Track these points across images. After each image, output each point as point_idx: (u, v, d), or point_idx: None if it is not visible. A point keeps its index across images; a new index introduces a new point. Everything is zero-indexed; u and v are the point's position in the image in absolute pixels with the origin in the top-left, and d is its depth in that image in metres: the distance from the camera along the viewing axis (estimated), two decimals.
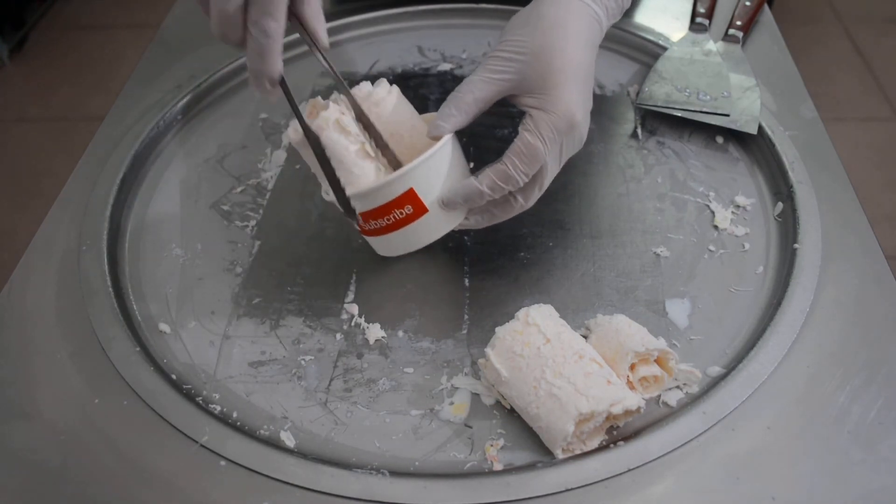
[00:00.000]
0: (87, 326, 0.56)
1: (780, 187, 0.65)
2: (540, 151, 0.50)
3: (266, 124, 0.76)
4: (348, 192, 0.51)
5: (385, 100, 0.54)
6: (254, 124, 0.76)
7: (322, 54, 0.53)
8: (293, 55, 0.83)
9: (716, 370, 0.53)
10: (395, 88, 0.55)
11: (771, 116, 0.70)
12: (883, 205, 1.68)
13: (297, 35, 0.82)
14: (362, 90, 0.54)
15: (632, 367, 0.50)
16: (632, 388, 0.50)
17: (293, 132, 0.53)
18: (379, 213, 0.52)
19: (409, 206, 0.51)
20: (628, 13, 0.85)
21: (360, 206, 0.52)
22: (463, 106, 0.52)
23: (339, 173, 0.51)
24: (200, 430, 0.49)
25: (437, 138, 0.52)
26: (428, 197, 0.51)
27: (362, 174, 0.52)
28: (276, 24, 0.46)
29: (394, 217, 0.52)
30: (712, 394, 0.50)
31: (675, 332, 0.56)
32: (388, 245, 0.55)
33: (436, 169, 0.51)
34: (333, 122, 0.51)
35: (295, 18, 0.51)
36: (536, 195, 0.54)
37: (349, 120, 0.52)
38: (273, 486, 0.47)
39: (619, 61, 0.81)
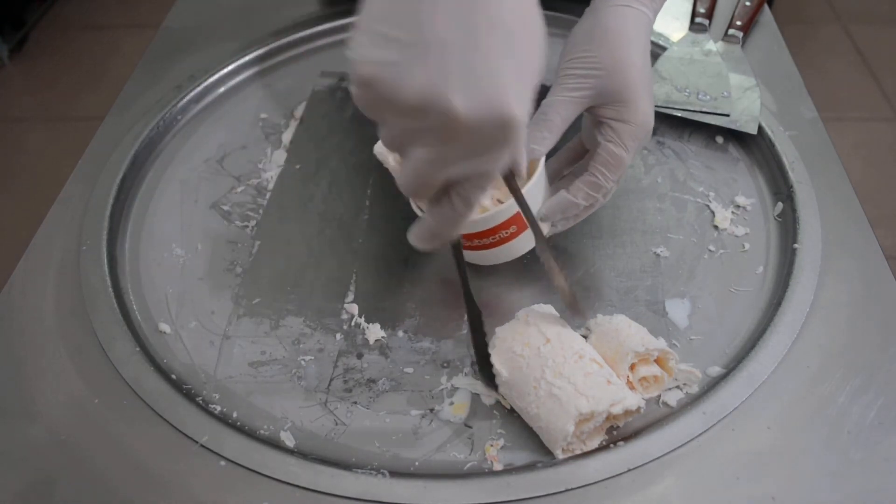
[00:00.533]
0: (87, 326, 0.56)
1: (780, 187, 0.65)
2: (625, 160, 0.54)
3: (266, 124, 0.76)
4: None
5: None
6: (254, 124, 0.76)
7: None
8: (293, 55, 0.84)
9: (716, 370, 0.53)
10: None
11: (771, 116, 0.70)
12: (883, 205, 1.68)
13: (294, 37, 0.83)
14: None
15: (632, 368, 0.50)
16: (632, 388, 0.50)
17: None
18: (485, 234, 0.54)
19: (514, 226, 0.54)
20: None
21: (468, 230, 0.54)
22: (553, 127, 0.54)
23: None
24: (200, 430, 0.49)
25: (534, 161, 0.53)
26: (530, 216, 0.53)
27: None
28: (481, 194, 0.41)
29: (499, 237, 0.55)
30: (712, 394, 0.50)
31: (675, 332, 0.56)
32: (487, 257, 0.57)
33: (536, 191, 0.54)
34: None
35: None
36: (613, 190, 0.56)
37: None
38: (273, 486, 0.47)
39: None
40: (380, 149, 0.50)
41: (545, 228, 0.56)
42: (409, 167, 0.39)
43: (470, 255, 0.57)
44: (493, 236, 0.55)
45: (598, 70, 0.53)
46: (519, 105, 0.35)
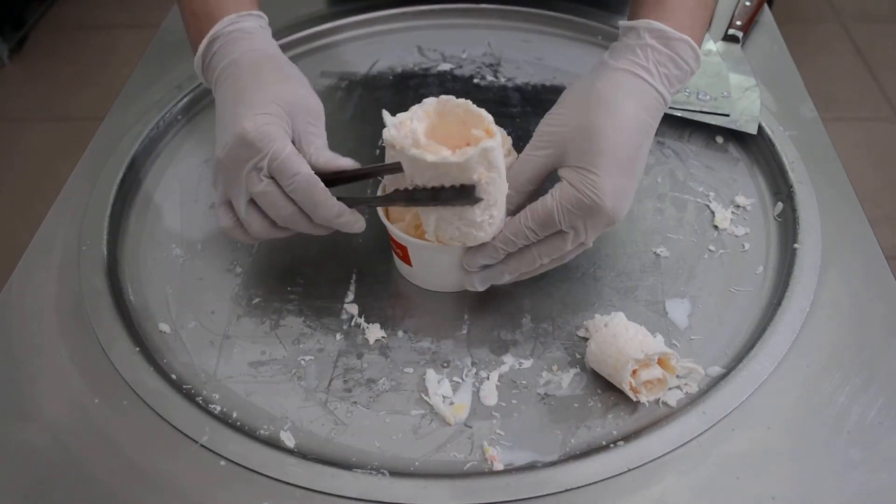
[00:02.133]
0: (87, 326, 0.56)
1: (780, 187, 0.65)
2: (553, 217, 0.49)
3: None
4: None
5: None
6: None
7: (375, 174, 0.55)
8: (293, 55, 0.84)
9: (716, 370, 0.53)
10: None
11: (771, 116, 0.70)
12: (883, 205, 1.68)
13: (294, 37, 0.83)
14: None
15: (633, 373, 0.50)
16: (636, 393, 0.50)
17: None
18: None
19: (399, 250, 0.56)
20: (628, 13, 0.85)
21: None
22: (516, 185, 0.52)
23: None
24: (200, 430, 0.49)
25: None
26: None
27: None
28: (325, 195, 0.51)
29: (394, 251, 0.57)
30: (712, 394, 0.50)
31: (675, 332, 0.56)
32: (400, 267, 0.59)
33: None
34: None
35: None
36: (560, 260, 0.53)
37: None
38: (273, 487, 0.47)
39: None
40: (388, 135, 0.50)
41: (469, 285, 0.55)
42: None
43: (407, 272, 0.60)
44: (393, 244, 0.57)
45: (565, 128, 0.50)
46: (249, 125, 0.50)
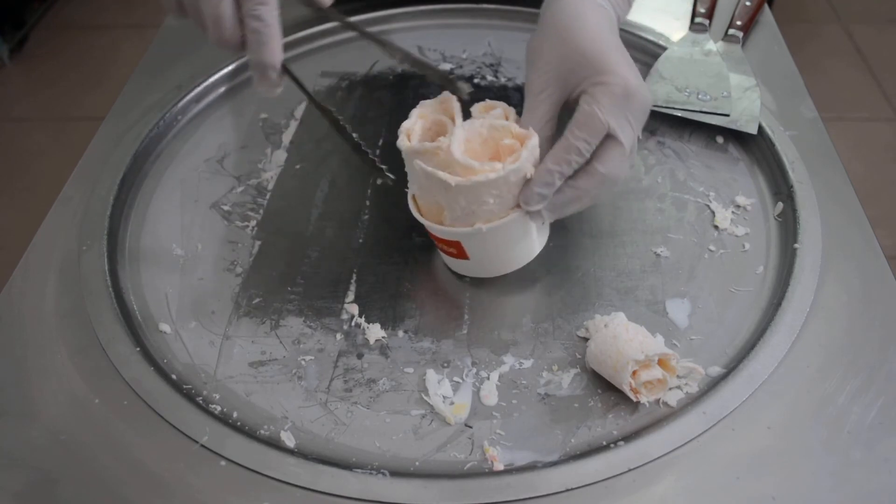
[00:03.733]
0: (87, 326, 0.56)
1: (780, 187, 0.65)
2: (598, 117, 0.49)
3: (266, 124, 0.76)
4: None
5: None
6: (254, 124, 0.76)
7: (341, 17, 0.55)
8: (293, 55, 0.84)
9: (716, 370, 0.53)
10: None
11: (771, 116, 0.70)
12: (883, 205, 1.68)
13: (294, 37, 0.83)
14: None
15: (633, 374, 0.50)
16: (637, 394, 0.50)
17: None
18: (438, 241, 0.56)
19: (454, 248, 0.55)
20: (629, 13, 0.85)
21: (432, 230, 0.55)
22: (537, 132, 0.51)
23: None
24: (200, 430, 0.49)
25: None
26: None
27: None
28: (269, 9, 0.48)
29: (442, 248, 0.56)
30: (712, 394, 0.50)
31: (675, 332, 0.56)
32: (455, 265, 0.59)
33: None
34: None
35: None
36: (622, 167, 0.52)
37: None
38: (273, 486, 0.47)
39: None
40: (417, 111, 0.52)
41: (537, 220, 0.54)
42: (206, 21, 0.49)
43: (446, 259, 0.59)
44: (437, 241, 0.56)
45: (549, 64, 0.52)
46: None
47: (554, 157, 0.50)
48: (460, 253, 0.55)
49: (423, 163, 0.50)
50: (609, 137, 0.50)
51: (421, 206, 0.55)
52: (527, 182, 0.51)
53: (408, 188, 0.56)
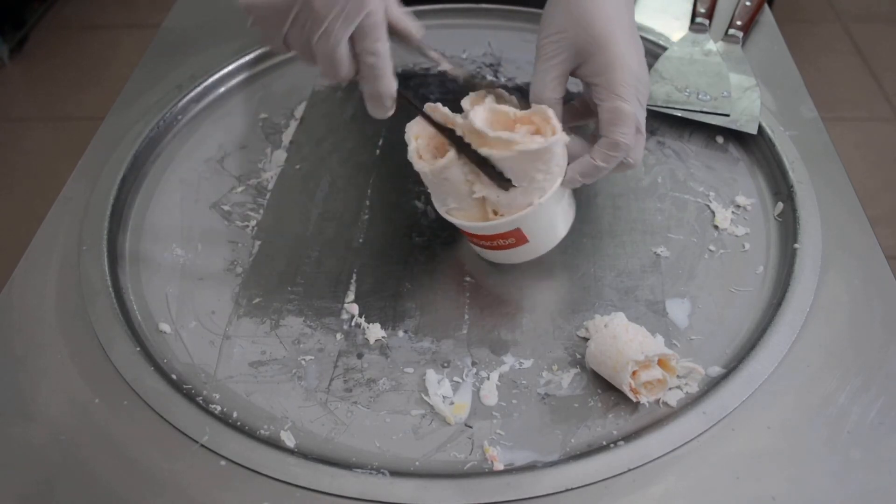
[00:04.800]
0: (87, 326, 0.56)
1: (780, 187, 0.65)
2: (625, 110, 0.53)
3: (266, 124, 0.76)
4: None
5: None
6: (254, 124, 0.76)
7: (427, 50, 0.56)
8: (293, 55, 0.83)
9: (716, 370, 0.53)
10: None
11: (771, 116, 0.70)
12: (883, 205, 1.68)
13: None
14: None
15: (633, 374, 0.50)
16: (636, 394, 0.50)
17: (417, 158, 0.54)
18: (485, 238, 0.56)
19: (511, 238, 0.55)
20: None
21: (472, 231, 0.56)
22: (547, 95, 0.55)
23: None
24: (200, 430, 0.49)
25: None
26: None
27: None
28: (383, 44, 0.50)
29: (497, 243, 0.56)
30: (712, 394, 0.50)
31: (675, 332, 0.56)
32: (491, 255, 0.59)
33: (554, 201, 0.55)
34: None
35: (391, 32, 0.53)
36: (642, 148, 0.56)
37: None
38: (273, 486, 0.47)
39: None
40: (410, 127, 0.53)
41: (568, 217, 0.58)
42: (319, 58, 0.51)
43: (477, 249, 0.60)
44: (491, 241, 0.56)
45: (565, 31, 0.54)
46: None
47: (601, 154, 0.53)
48: (520, 239, 0.56)
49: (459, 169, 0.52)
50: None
51: (461, 217, 0.55)
52: (573, 169, 0.54)
53: (437, 209, 0.56)
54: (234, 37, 0.84)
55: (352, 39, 0.50)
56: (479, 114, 0.52)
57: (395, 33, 0.53)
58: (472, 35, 0.85)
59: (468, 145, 0.51)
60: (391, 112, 0.54)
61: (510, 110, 0.53)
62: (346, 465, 0.48)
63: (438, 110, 0.53)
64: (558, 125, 0.51)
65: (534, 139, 0.51)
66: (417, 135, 0.54)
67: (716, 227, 0.63)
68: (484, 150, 0.51)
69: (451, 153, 0.52)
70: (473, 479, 0.47)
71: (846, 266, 0.58)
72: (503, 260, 0.60)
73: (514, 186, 0.51)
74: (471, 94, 0.55)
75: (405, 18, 0.54)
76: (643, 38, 0.79)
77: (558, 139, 0.51)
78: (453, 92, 0.78)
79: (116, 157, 0.69)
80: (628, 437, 0.48)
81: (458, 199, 0.54)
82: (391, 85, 0.52)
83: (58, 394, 0.52)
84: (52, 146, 1.93)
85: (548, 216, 0.56)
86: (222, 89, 0.79)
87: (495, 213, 0.55)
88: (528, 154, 0.50)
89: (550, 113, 0.52)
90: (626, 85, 0.53)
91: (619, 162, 0.54)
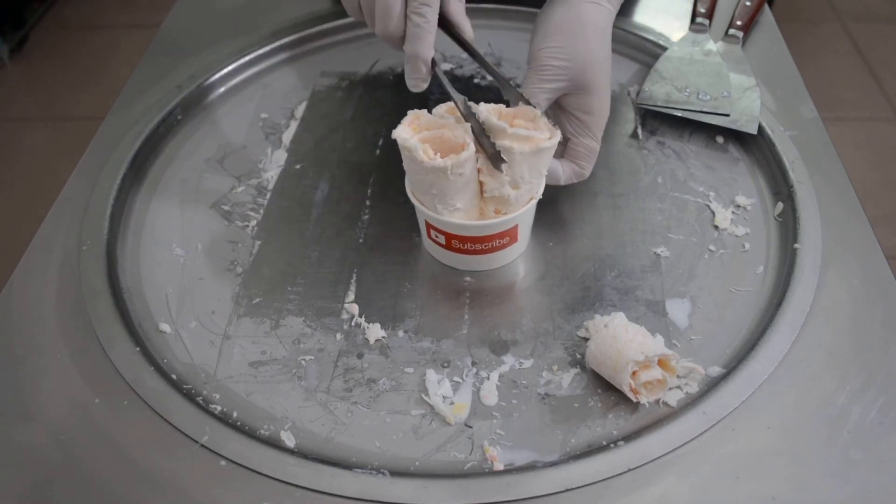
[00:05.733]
0: (87, 326, 0.56)
1: (780, 187, 0.65)
2: (597, 149, 0.61)
3: (266, 124, 0.76)
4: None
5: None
6: (254, 124, 0.76)
7: (474, 50, 0.59)
8: (293, 55, 0.84)
9: (716, 370, 0.53)
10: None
11: (771, 116, 0.70)
12: (883, 205, 1.68)
13: (294, 37, 0.84)
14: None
15: (633, 374, 0.50)
16: (636, 394, 0.50)
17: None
18: (480, 240, 0.57)
19: (507, 237, 0.58)
20: (628, 13, 0.85)
21: (468, 233, 0.56)
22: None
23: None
24: (200, 430, 0.49)
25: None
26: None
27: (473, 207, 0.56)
28: (432, 10, 0.53)
29: (492, 245, 0.58)
30: (712, 394, 0.50)
31: (675, 332, 0.56)
32: (477, 262, 0.60)
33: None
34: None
35: (443, 19, 0.56)
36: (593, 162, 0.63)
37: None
38: (273, 486, 0.47)
39: (619, 61, 0.81)
40: (399, 132, 0.53)
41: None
42: (377, 11, 0.53)
43: (458, 259, 0.60)
44: (486, 243, 0.57)
45: (571, 62, 0.58)
46: None
47: (567, 178, 0.62)
48: (512, 238, 0.58)
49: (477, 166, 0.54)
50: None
51: (463, 219, 0.56)
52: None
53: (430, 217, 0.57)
54: (234, 37, 0.84)
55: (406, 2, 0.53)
56: (489, 109, 0.54)
57: (447, 24, 0.57)
58: None
59: (488, 137, 0.53)
60: (425, 84, 0.55)
61: (502, 107, 0.55)
62: (346, 465, 0.48)
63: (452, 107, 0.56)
64: (551, 125, 0.54)
65: (549, 137, 0.53)
66: (411, 135, 0.54)
67: (716, 227, 0.63)
68: (505, 143, 0.52)
69: (471, 146, 0.52)
70: (473, 479, 0.47)
71: (846, 266, 0.58)
72: (482, 266, 0.60)
73: (504, 162, 0.53)
74: (443, 105, 0.56)
75: (461, 13, 0.58)
76: (643, 39, 0.80)
77: (559, 136, 0.54)
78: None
79: (116, 157, 0.69)
80: (628, 437, 0.48)
81: (466, 198, 0.54)
82: (429, 50, 0.54)
83: (58, 394, 0.52)
84: (51, 146, 1.93)
85: (532, 215, 0.59)
86: (222, 89, 0.79)
87: (496, 212, 0.56)
88: (544, 151, 0.53)
89: (539, 114, 0.55)
90: (601, 128, 0.60)
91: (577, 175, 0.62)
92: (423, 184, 0.54)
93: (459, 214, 0.55)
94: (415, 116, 0.55)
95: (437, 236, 0.58)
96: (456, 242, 0.57)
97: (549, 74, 0.58)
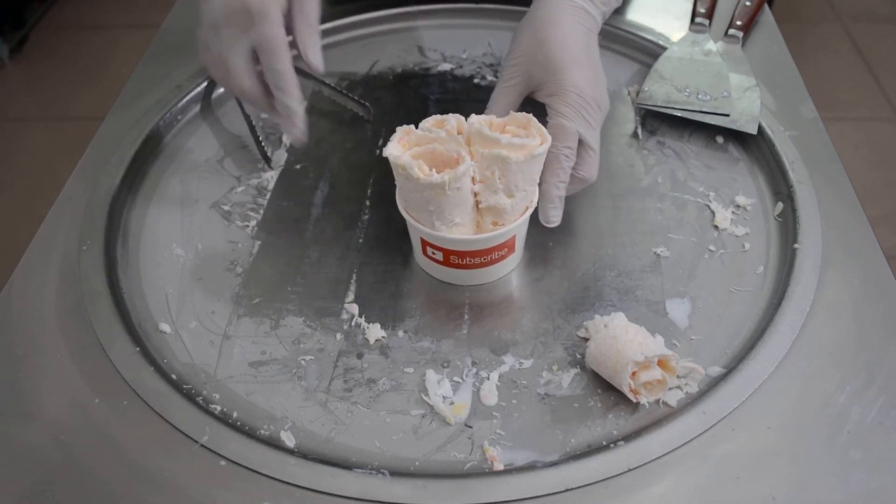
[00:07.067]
0: (87, 326, 0.56)
1: (780, 187, 0.65)
2: (567, 127, 0.58)
3: (266, 124, 0.76)
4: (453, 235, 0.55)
5: None
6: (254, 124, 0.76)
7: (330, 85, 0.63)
8: (293, 55, 0.83)
9: (716, 370, 0.53)
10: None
11: (771, 116, 0.70)
12: (883, 205, 1.68)
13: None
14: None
15: (633, 374, 0.50)
16: (636, 394, 0.50)
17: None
18: (478, 254, 0.56)
19: (506, 248, 0.57)
20: (629, 13, 0.85)
21: (465, 248, 0.56)
22: (501, 115, 0.56)
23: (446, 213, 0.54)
24: (200, 430, 0.49)
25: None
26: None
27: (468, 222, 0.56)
28: (280, 60, 0.58)
29: (490, 258, 0.57)
30: (712, 394, 0.50)
31: (675, 332, 0.56)
32: (474, 277, 0.59)
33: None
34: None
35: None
36: (595, 165, 0.60)
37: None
38: (273, 486, 0.47)
39: (619, 61, 0.81)
40: (391, 151, 0.52)
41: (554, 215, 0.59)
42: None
43: (456, 275, 0.59)
44: (484, 256, 0.56)
45: (523, 56, 0.60)
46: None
47: (550, 172, 0.57)
48: (510, 249, 0.57)
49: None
50: (581, 144, 0.59)
51: (461, 234, 0.55)
52: (541, 204, 0.57)
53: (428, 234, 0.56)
54: None
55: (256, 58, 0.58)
56: (481, 120, 0.53)
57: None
58: (472, 35, 0.85)
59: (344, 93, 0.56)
60: (304, 138, 0.61)
61: (492, 118, 0.54)
62: (346, 465, 0.48)
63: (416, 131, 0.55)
64: (545, 130, 0.54)
65: (542, 142, 0.53)
66: (405, 143, 0.54)
67: (716, 227, 0.63)
68: (502, 153, 0.51)
69: (467, 159, 0.52)
70: (473, 479, 0.47)
71: (846, 266, 0.58)
72: (481, 279, 0.59)
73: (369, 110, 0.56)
74: (431, 118, 0.55)
75: (311, 49, 0.62)
76: (643, 39, 0.80)
77: (550, 141, 0.54)
78: (453, 92, 0.78)
79: (116, 158, 0.69)
80: (628, 437, 0.48)
81: (462, 212, 0.54)
82: (295, 103, 0.59)
83: (58, 394, 0.52)
84: (51, 146, 1.93)
85: (526, 225, 0.58)
86: (222, 89, 0.79)
87: (495, 224, 0.55)
88: (537, 157, 0.52)
89: (532, 118, 0.54)
90: (569, 105, 0.58)
91: (576, 179, 0.59)
92: (420, 201, 0.53)
93: (458, 229, 0.54)
94: (405, 132, 0.53)
95: (434, 253, 0.57)
96: (455, 258, 0.56)
97: (506, 74, 0.61)
